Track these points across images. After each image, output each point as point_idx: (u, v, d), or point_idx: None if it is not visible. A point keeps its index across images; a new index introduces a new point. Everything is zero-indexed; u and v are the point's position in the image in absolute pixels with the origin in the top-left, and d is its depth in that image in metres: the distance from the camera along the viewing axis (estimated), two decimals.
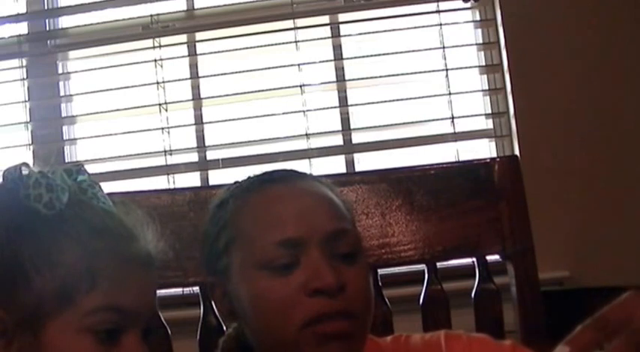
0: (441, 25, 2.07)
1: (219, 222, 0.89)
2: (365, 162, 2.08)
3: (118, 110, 2.11)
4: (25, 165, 0.72)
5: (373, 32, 2.10)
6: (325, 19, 2.11)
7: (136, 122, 2.13)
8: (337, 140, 2.08)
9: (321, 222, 0.84)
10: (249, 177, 0.92)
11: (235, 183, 0.93)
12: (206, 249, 0.90)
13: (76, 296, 0.67)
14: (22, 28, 2.16)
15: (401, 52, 2.09)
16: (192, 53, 2.13)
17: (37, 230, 0.69)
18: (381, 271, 1.16)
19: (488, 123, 2.07)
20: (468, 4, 2.07)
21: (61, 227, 0.69)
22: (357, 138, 2.07)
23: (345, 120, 2.08)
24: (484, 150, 2.07)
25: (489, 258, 1.18)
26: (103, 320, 0.68)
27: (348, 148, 2.07)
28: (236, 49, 2.09)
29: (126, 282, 0.69)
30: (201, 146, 2.08)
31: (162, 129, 2.07)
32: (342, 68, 2.09)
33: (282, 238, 0.83)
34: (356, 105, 2.09)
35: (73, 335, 0.67)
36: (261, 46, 2.09)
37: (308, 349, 0.81)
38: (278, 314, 0.82)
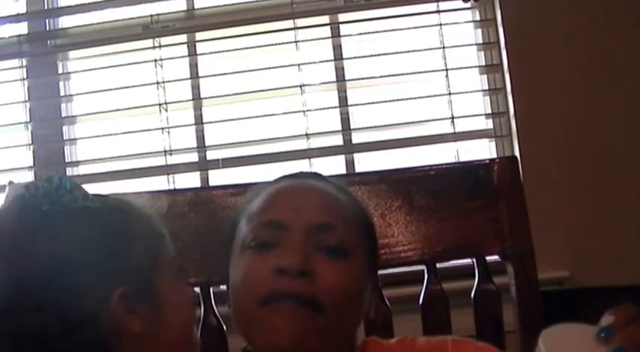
0: (441, 25, 2.07)
1: (231, 226, 0.93)
2: (365, 162, 2.08)
3: (118, 110, 2.11)
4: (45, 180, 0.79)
5: (373, 32, 2.10)
6: (325, 19, 2.11)
7: (136, 122, 2.13)
8: (337, 140, 2.08)
9: (311, 212, 0.86)
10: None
11: (236, 186, 0.99)
12: (224, 251, 0.93)
13: (160, 252, 0.82)
14: (22, 28, 2.16)
15: (401, 52, 2.09)
16: (192, 53, 2.13)
17: (107, 219, 0.79)
18: (380, 271, 1.16)
19: (488, 123, 2.07)
20: (468, 4, 2.07)
21: (110, 211, 0.80)
22: (357, 138, 2.07)
23: (345, 120, 2.08)
24: (484, 150, 2.07)
25: (489, 258, 1.18)
26: (179, 264, 0.85)
27: (348, 148, 2.07)
28: (236, 49, 2.10)
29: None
30: (201, 146, 2.08)
31: (163, 129, 2.07)
32: (342, 68, 2.09)
33: (267, 219, 0.86)
34: (356, 105, 2.09)
35: (173, 281, 0.82)
36: (261, 46, 2.09)
37: (260, 327, 0.82)
38: (244, 289, 0.85)
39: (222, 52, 2.10)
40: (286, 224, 0.85)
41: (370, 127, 2.09)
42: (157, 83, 2.09)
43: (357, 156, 2.07)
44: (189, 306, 0.85)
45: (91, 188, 0.82)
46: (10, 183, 0.81)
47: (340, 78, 2.09)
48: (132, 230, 0.80)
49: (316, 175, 0.96)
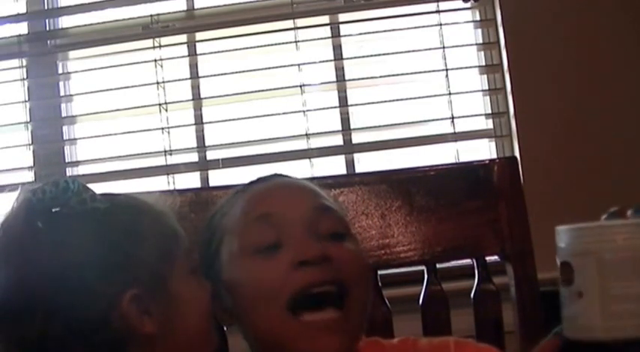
0: (441, 25, 2.07)
1: (210, 228, 0.91)
2: (365, 162, 2.08)
3: (118, 110, 2.11)
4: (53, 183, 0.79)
5: (373, 32, 2.10)
6: (325, 19, 2.11)
7: (136, 122, 2.12)
8: (337, 140, 2.08)
9: (302, 200, 0.87)
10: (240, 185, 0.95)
11: (236, 186, 0.95)
12: (201, 256, 0.91)
13: (173, 250, 0.81)
14: (22, 28, 2.16)
15: (401, 52, 2.09)
16: (192, 53, 2.13)
17: (116, 219, 0.79)
18: (380, 271, 1.16)
19: (489, 123, 2.07)
20: (468, 4, 2.07)
21: (119, 211, 0.80)
22: (357, 138, 2.07)
23: (345, 120, 2.08)
24: (484, 150, 2.07)
25: (489, 258, 1.19)
26: (196, 259, 0.85)
27: (348, 148, 2.07)
28: (236, 49, 2.09)
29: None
30: (201, 146, 2.08)
31: (163, 129, 2.07)
32: (342, 68, 2.09)
33: (259, 213, 0.85)
34: (356, 105, 2.09)
35: (188, 279, 0.81)
36: (261, 46, 2.09)
37: (297, 340, 0.81)
38: (263, 297, 0.82)
39: (222, 52, 2.10)
40: (280, 217, 0.84)
41: (370, 127, 2.09)
42: (157, 83, 2.09)
43: (357, 156, 2.07)
44: (205, 303, 0.83)
45: (91, 188, 0.82)
46: (22, 185, 0.80)
47: (340, 78, 2.09)
48: (142, 229, 0.80)
49: (280, 175, 0.95)
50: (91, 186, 0.82)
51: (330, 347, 0.80)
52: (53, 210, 0.77)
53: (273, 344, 0.83)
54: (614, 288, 0.65)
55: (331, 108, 2.08)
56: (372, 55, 2.12)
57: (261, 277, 0.82)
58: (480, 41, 2.09)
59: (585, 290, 0.65)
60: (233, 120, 2.09)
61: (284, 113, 2.07)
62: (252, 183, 0.93)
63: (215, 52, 2.11)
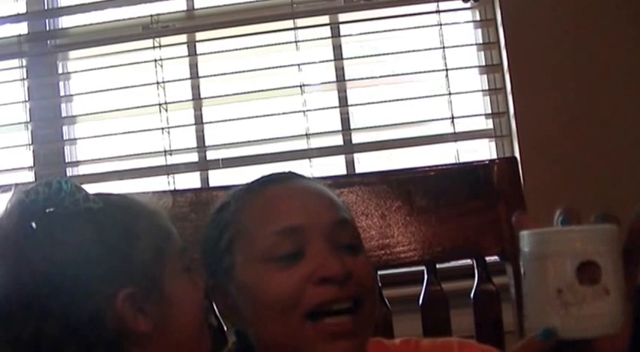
0: (440, 25, 2.07)
1: (220, 222, 0.90)
2: (365, 162, 2.08)
3: (118, 110, 2.11)
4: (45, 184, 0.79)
5: (373, 32, 2.10)
6: (325, 19, 2.11)
7: (136, 122, 2.13)
8: (337, 140, 2.08)
9: (324, 212, 0.86)
10: (249, 181, 0.94)
11: (236, 187, 0.94)
12: (207, 250, 0.90)
13: (167, 249, 0.81)
14: (22, 28, 2.16)
15: (401, 52, 2.09)
16: (192, 53, 2.13)
17: (110, 219, 0.79)
18: (380, 271, 1.16)
19: (488, 123, 2.07)
20: (468, 4, 2.07)
21: (113, 211, 0.80)
22: (357, 138, 2.07)
23: (345, 120, 2.08)
24: (484, 150, 2.07)
25: (488, 258, 1.19)
26: (189, 258, 0.85)
27: (348, 148, 2.07)
28: (236, 49, 2.09)
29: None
30: (201, 146, 2.08)
31: (163, 129, 2.07)
32: (342, 68, 2.09)
33: (282, 226, 0.84)
34: (356, 105, 2.09)
35: (182, 277, 0.82)
36: (261, 46, 2.09)
37: (313, 344, 0.81)
38: (281, 306, 0.82)
39: (222, 52, 2.10)
40: (301, 229, 0.84)
41: (370, 127, 2.09)
42: (157, 83, 2.09)
43: (357, 156, 2.07)
44: (198, 302, 0.84)
45: (91, 188, 0.82)
46: (15, 186, 0.80)
47: (340, 78, 2.09)
48: (135, 229, 0.80)
49: (292, 174, 0.95)
50: (91, 186, 0.82)
51: (345, 349, 0.82)
52: (47, 210, 0.77)
53: (285, 346, 0.84)
54: (622, 283, 0.70)
55: (331, 108, 2.08)
56: (372, 55, 2.12)
57: (280, 286, 0.82)
58: (480, 41, 2.09)
59: (611, 286, 0.69)
60: (233, 120, 2.09)
61: (284, 113, 2.07)
62: (266, 181, 0.92)
63: (215, 52, 2.11)
